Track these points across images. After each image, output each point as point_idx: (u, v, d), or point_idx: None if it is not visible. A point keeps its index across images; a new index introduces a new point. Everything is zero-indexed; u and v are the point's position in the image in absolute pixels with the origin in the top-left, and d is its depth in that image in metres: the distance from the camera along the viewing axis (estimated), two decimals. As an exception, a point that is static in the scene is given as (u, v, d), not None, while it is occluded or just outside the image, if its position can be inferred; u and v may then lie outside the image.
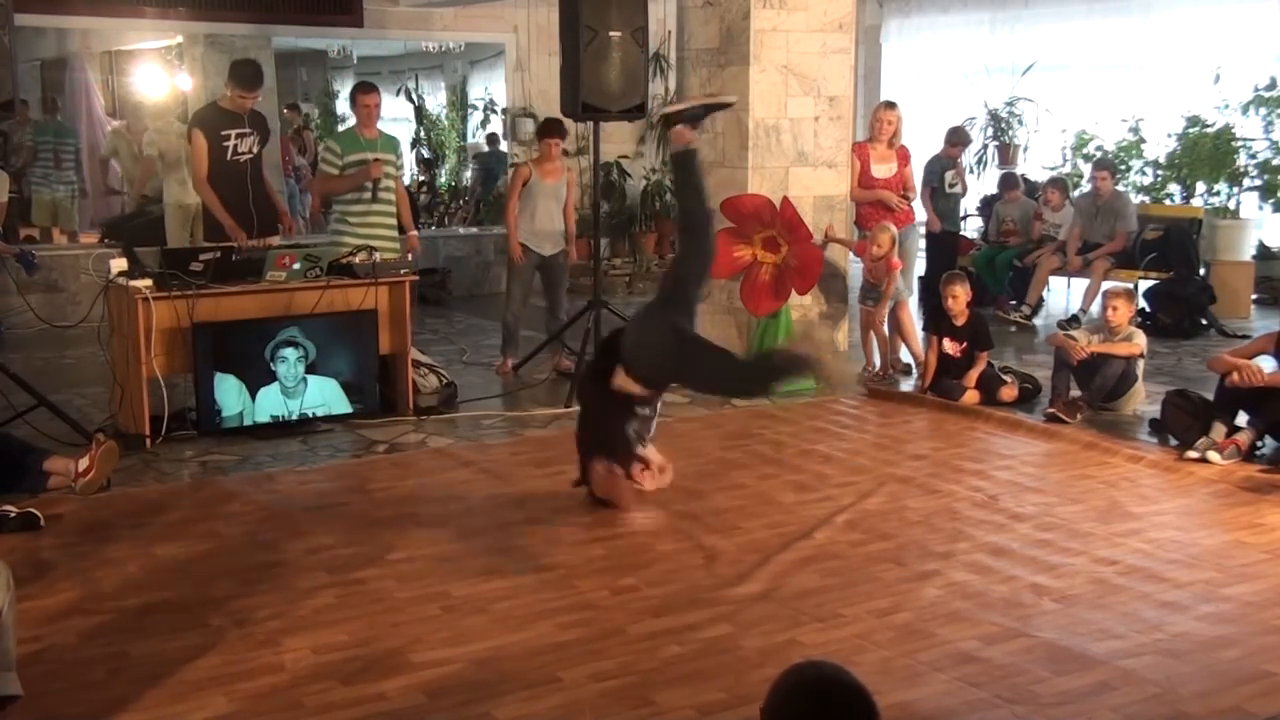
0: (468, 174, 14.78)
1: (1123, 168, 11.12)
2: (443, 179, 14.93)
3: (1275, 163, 10.64)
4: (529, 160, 8.22)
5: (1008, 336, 9.19)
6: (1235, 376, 5.90)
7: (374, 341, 6.64)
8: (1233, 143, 10.70)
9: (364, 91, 7.41)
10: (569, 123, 8.01)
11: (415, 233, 7.82)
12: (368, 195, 7.24)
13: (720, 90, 7.69)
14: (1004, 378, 7.19)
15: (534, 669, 3.75)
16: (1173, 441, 6.20)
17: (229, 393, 6.26)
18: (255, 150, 7.23)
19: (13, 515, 4.96)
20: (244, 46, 11.77)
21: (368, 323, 6.60)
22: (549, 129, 8.03)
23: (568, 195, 8.02)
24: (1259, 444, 5.99)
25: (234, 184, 7.18)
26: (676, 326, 5.10)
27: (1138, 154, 11.31)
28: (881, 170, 8.25)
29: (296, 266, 6.48)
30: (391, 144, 7.55)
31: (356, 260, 6.65)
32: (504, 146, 13.33)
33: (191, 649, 3.88)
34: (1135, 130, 11.29)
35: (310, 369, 6.44)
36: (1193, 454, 5.92)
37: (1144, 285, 9.55)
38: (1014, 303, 10.02)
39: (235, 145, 7.14)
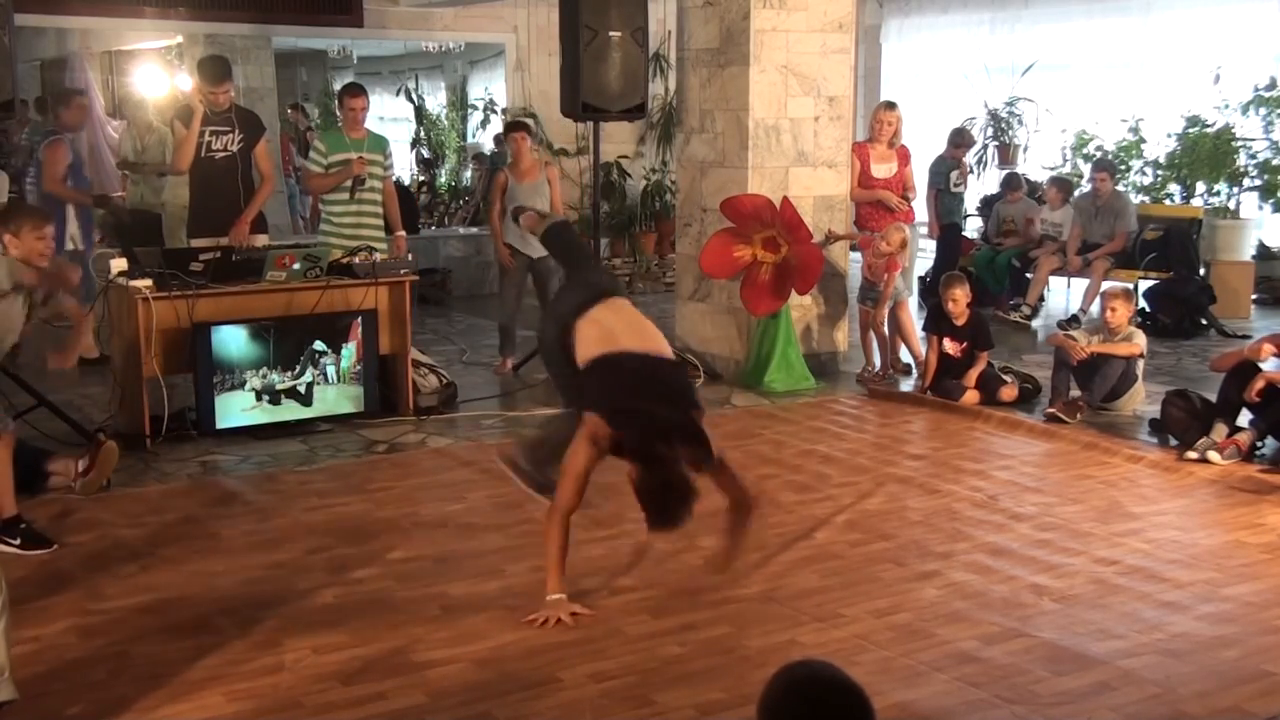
0: (468, 174, 14.78)
1: (1123, 168, 11.12)
2: (442, 179, 14.92)
3: (1275, 163, 10.63)
4: (505, 166, 8.22)
5: (1008, 336, 9.19)
6: (1258, 382, 5.87)
7: (374, 341, 6.65)
8: (1233, 143, 10.69)
9: (351, 94, 7.40)
10: (569, 123, 8.01)
11: (402, 233, 7.74)
12: (347, 195, 7.25)
13: (721, 91, 7.69)
14: (1004, 378, 7.19)
15: (534, 669, 3.75)
16: (1173, 441, 6.20)
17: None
18: (234, 149, 7.20)
19: (25, 528, 4.89)
20: (244, 46, 11.79)
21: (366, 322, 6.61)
22: (510, 126, 8.22)
23: (553, 192, 8.00)
24: (1259, 444, 5.99)
25: (210, 181, 7.18)
26: None
27: (1138, 154, 11.30)
28: (881, 170, 8.25)
29: (296, 266, 6.48)
30: (379, 143, 7.49)
31: (356, 260, 6.65)
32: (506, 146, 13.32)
33: (191, 649, 3.88)
34: (1135, 130, 11.28)
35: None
36: (1193, 454, 5.92)
37: (1144, 285, 9.55)
38: (1014, 302, 10.02)
39: (209, 142, 7.12)
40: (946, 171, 9.99)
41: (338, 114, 7.81)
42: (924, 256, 10.19)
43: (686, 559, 4.68)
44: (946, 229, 10.03)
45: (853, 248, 8.36)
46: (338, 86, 15.40)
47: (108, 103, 13.31)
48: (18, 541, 4.76)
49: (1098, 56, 12.46)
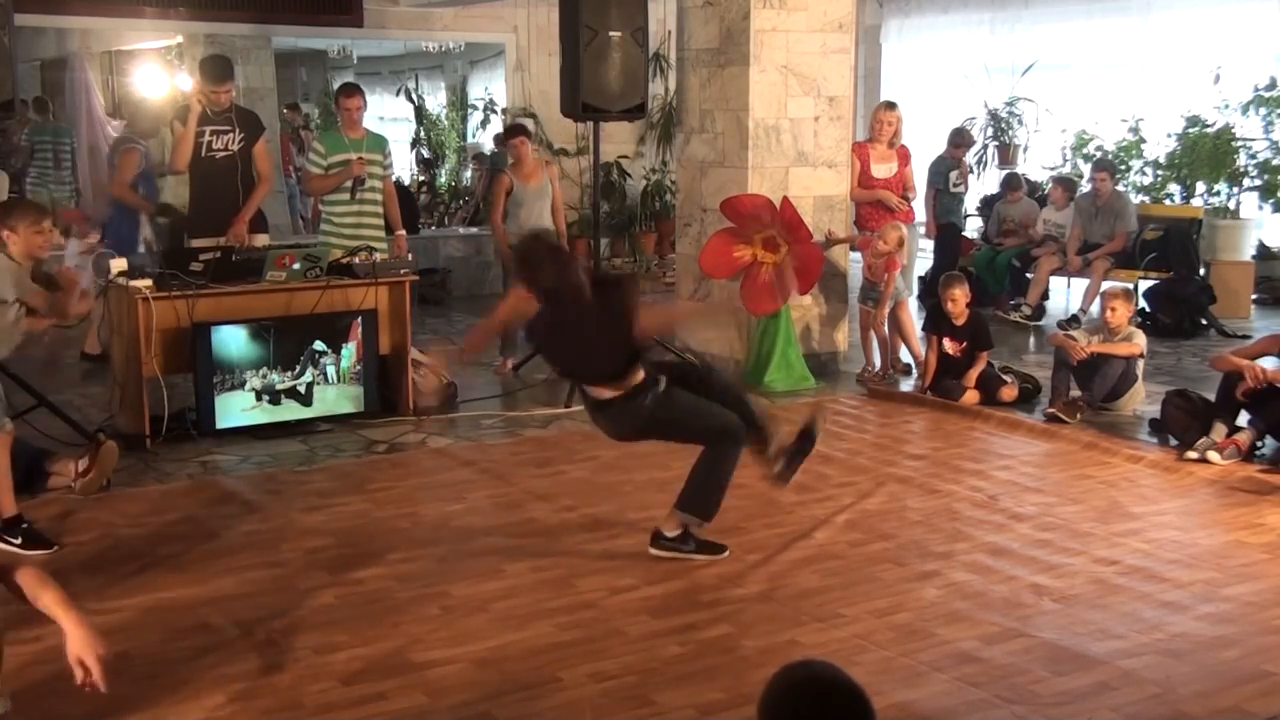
0: (468, 174, 14.78)
1: (1123, 168, 11.12)
2: (442, 179, 14.92)
3: (1275, 163, 10.63)
4: (507, 169, 8.22)
5: (1008, 336, 9.19)
6: (1247, 383, 5.89)
7: (374, 341, 6.64)
8: (1233, 143, 10.69)
9: (346, 94, 7.39)
10: (568, 122, 8.02)
11: (403, 232, 7.74)
12: (347, 195, 7.25)
13: (721, 91, 7.69)
14: (1004, 378, 7.19)
15: (534, 669, 3.75)
16: (1173, 441, 6.20)
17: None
18: (235, 148, 7.19)
19: (26, 528, 4.89)
20: (244, 46, 11.78)
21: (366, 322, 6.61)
22: (511, 131, 8.24)
23: (555, 193, 8.01)
24: (1259, 444, 5.99)
25: (212, 180, 7.17)
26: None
27: (1138, 154, 11.30)
28: (881, 170, 8.25)
29: (296, 266, 6.48)
30: (378, 143, 7.48)
31: (356, 260, 6.65)
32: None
33: (191, 649, 3.89)
34: (1135, 130, 11.28)
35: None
36: (1193, 454, 5.92)
37: (1144, 285, 9.55)
38: (1014, 302, 10.02)
39: (210, 142, 7.12)
40: (946, 171, 9.99)
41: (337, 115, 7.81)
42: (924, 256, 10.20)
43: (687, 560, 4.68)
44: (944, 229, 10.02)
45: (852, 248, 8.36)
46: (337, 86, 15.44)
47: (108, 103, 13.31)
48: (19, 541, 4.76)
49: (1098, 56, 12.45)
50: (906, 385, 7.64)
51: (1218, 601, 4.30)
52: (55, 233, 5.45)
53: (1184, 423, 6.15)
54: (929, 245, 10.35)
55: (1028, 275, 10.05)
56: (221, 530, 5.04)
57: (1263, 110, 10.65)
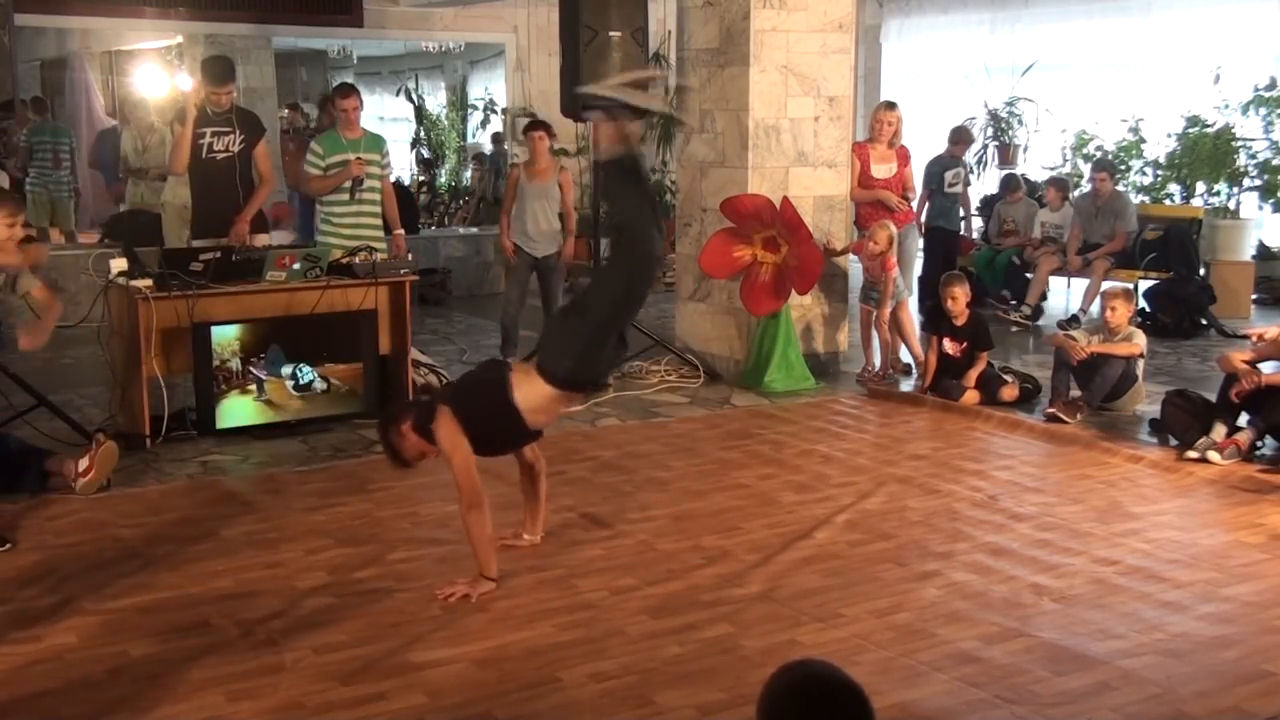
0: (468, 174, 14.79)
1: (1123, 168, 11.12)
2: (442, 179, 14.94)
3: (1275, 163, 10.63)
4: (519, 163, 8.23)
5: (1008, 336, 9.19)
6: (1242, 385, 5.89)
7: (374, 341, 6.64)
8: (1233, 143, 10.69)
9: (342, 95, 7.38)
10: (569, 122, 8.03)
11: (401, 232, 7.74)
12: (347, 195, 7.25)
13: (721, 91, 7.69)
14: (1004, 378, 7.19)
15: (534, 669, 3.75)
16: (1173, 441, 6.20)
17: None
18: (235, 149, 7.19)
19: None
20: (244, 46, 11.80)
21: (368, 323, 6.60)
22: (532, 124, 8.24)
23: (564, 195, 8.02)
24: (1259, 444, 5.99)
25: (212, 181, 7.17)
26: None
27: (1138, 154, 11.31)
28: (881, 170, 8.25)
29: (296, 266, 6.47)
30: (376, 143, 7.48)
31: (356, 260, 6.65)
32: (505, 145, 13.36)
33: (191, 649, 3.88)
34: (1135, 130, 11.29)
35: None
36: (1193, 454, 5.91)
37: (1144, 285, 9.55)
38: (1014, 303, 10.02)
39: (211, 143, 7.12)
40: (941, 170, 9.96)
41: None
42: (924, 257, 10.18)
43: (687, 559, 4.69)
44: (933, 232, 9.96)
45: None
46: (337, 86, 15.45)
47: (108, 103, 13.33)
48: None
49: (1098, 56, 12.46)
50: (906, 385, 7.64)
51: (1218, 601, 4.29)
52: (19, 228, 5.41)
53: (1184, 423, 6.15)
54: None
55: (1027, 275, 10.05)
56: (221, 530, 5.03)
57: (1263, 110, 10.65)
